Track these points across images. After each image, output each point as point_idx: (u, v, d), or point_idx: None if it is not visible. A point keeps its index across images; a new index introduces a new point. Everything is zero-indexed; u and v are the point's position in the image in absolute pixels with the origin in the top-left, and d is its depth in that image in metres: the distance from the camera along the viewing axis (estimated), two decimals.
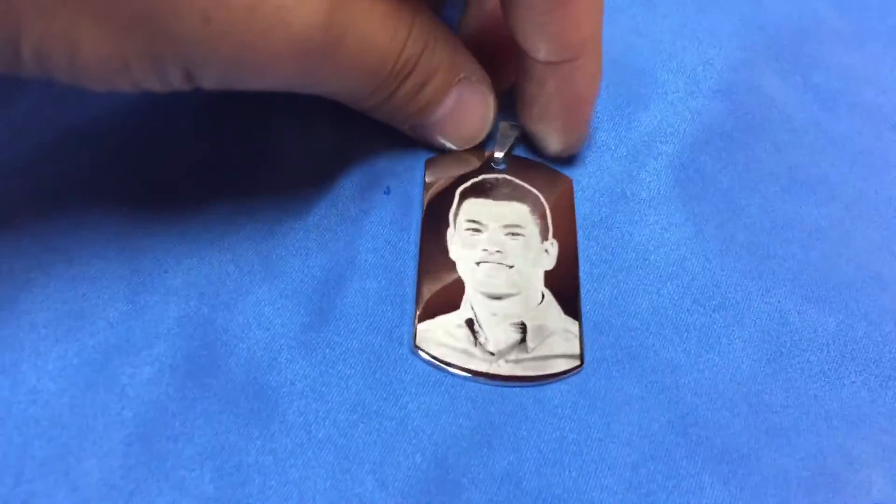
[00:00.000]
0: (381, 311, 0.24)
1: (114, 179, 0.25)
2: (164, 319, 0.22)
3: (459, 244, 0.25)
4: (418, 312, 0.23)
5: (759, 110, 0.29)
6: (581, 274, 0.25)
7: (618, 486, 0.21)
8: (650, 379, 0.23)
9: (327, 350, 0.23)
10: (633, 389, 0.23)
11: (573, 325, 0.24)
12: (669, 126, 0.28)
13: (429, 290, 0.24)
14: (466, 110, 0.25)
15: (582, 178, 0.27)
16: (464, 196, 0.26)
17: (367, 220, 0.25)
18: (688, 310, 0.25)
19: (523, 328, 0.23)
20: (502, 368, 0.23)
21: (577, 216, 0.26)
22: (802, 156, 0.29)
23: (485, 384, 0.23)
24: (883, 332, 0.24)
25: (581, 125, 0.26)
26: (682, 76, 0.30)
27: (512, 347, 0.23)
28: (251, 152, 0.26)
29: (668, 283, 0.25)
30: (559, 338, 0.23)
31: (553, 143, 0.27)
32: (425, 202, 0.26)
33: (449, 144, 0.26)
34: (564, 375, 0.23)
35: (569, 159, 0.27)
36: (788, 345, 0.24)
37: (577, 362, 0.23)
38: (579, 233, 0.26)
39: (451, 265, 0.24)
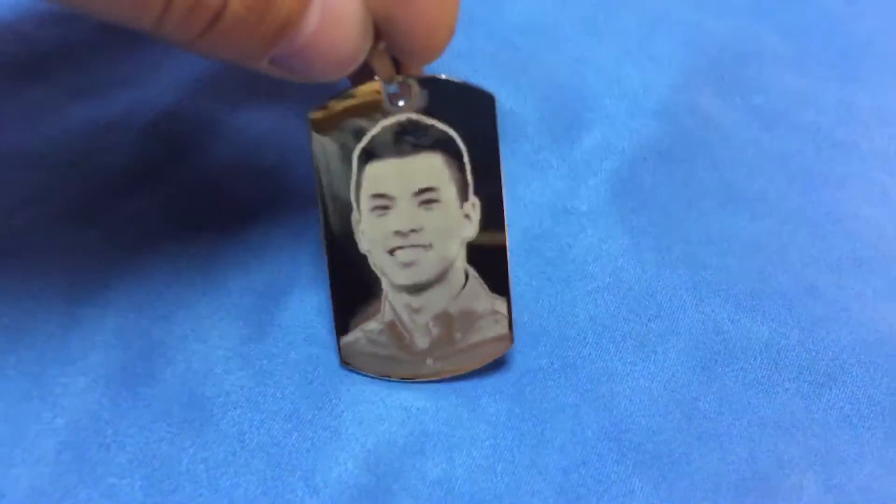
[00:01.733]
0: (320, 322, 0.24)
1: (60, 198, 0.26)
2: (101, 331, 0.23)
3: (369, 231, 0.22)
4: (336, 326, 0.23)
5: (698, 129, 0.30)
6: (519, 285, 0.25)
7: (549, 490, 0.21)
8: (586, 387, 0.23)
9: (265, 361, 0.23)
10: (568, 398, 0.23)
11: (501, 305, 0.23)
12: (610, 145, 0.29)
13: (343, 300, 0.22)
14: (332, 31, 0.18)
15: (525, 195, 0.28)
16: (363, 160, 0.21)
17: (309, 233, 0.26)
18: (624, 319, 0.25)
19: (448, 319, 0.23)
20: (430, 368, 0.23)
21: (513, 228, 0.26)
22: (741, 172, 0.29)
23: (418, 386, 0.23)
24: (815, 340, 0.25)
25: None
26: (625, 100, 0.31)
27: (438, 343, 0.23)
28: (193, 171, 0.27)
29: (605, 294, 0.25)
30: (487, 321, 0.23)
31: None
32: (318, 181, 0.22)
33: (319, 77, 0.19)
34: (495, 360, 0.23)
35: (511, 180, 0.28)
36: (722, 353, 0.24)
37: (507, 343, 0.23)
38: (514, 246, 0.26)
39: (363, 261, 0.22)
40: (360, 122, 0.21)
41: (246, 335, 0.23)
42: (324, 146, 0.21)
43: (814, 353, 0.25)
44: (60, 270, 0.24)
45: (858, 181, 0.30)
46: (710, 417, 0.23)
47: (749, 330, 0.25)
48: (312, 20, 0.18)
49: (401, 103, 0.21)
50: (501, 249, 0.22)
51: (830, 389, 0.24)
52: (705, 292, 0.26)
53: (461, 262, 0.22)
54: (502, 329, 0.23)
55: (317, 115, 0.21)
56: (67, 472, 0.20)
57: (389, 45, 0.19)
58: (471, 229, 0.22)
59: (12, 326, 0.23)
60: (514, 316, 0.23)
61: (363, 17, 0.18)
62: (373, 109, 0.21)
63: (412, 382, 0.23)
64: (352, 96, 0.21)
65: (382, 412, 0.22)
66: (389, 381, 0.23)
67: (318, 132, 0.21)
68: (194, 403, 0.22)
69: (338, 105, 0.21)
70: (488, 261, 0.22)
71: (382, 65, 0.20)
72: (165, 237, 0.25)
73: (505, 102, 0.30)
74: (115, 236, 0.25)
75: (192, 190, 0.26)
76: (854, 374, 0.24)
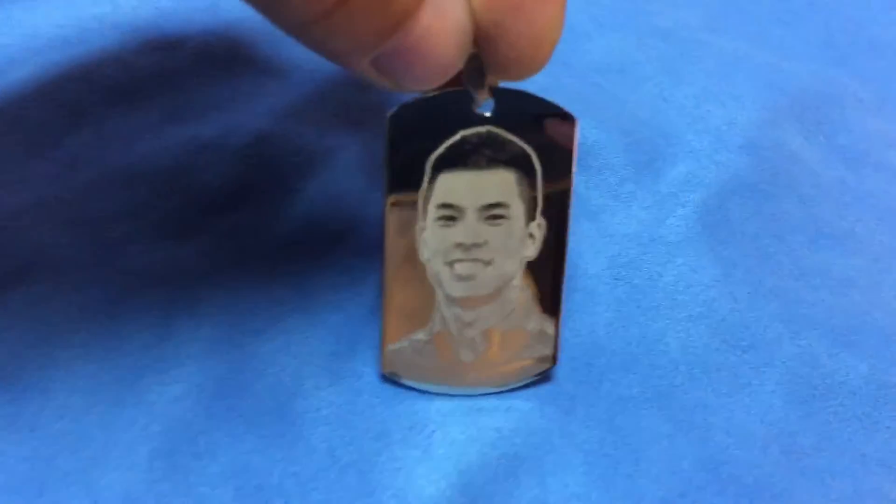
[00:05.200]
0: None
1: (155, 214, 0.26)
2: (196, 342, 0.23)
3: (431, 240, 0.21)
4: (384, 333, 0.22)
5: (784, 165, 0.30)
6: (608, 313, 0.25)
7: None
8: (679, 417, 0.23)
9: (353, 379, 0.23)
10: (662, 427, 0.23)
11: (550, 326, 0.22)
12: (695, 178, 0.29)
13: (395, 308, 0.22)
14: (438, 36, 0.18)
15: (609, 225, 0.28)
16: (437, 168, 0.21)
17: None
18: (717, 350, 0.24)
19: (497, 336, 0.22)
20: (472, 381, 0.23)
21: (599, 257, 0.26)
22: (828, 210, 0.29)
23: (508, 408, 0.22)
24: None
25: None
26: (708, 135, 0.31)
27: (483, 358, 0.23)
28: (285, 193, 0.27)
29: (697, 324, 0.25)
30: (534, 340, 0.23)
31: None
32: (386, 184, 0.21)
33: (416, 82, 0.19)
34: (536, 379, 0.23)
35: (594, 210, 0.28)
36: (821, 388, 0.24)
37: (550, 363, 0.23)
38: (600, 272, 0.26)
39: (422, 271, 0.22)
40: (439, 129, 0.21)
41: (335, 352, 0.23)
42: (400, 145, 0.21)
43: None
44: (155, 283, 0.24)
45: None
46: (809, 453, 0.22)
47: (848, 365, 0.24)
48: (426, 17, 0.17)
49: (486, 114, 0.21)
50: (559, 267, 0.22)
51: None
52: (800, 325, 0.25)
53: (518, 281, 0.22)
54: (547, 350, 0.23)
55: (397, 114, 0.21)
56: (160, 480, 0.20)
57: (486, 56, 0.19)
58: (533, 249, 0.22)
59: (108, 335, 0.23)
60: (594, 339, 0.23)
61: (469, 24, 0.18)
62: (454, 117, 0.21)
63: (453, 395, 0.23)
64: (434, 101, 0.20)
65: (474, 433, 0.22)
66: (428, 392, 0.23)
67: (394, 130, 0.21)
68: (284, 418, 0.22)
69: (419, 107, 0.20)
70: (543, 276, 0.22)
71: (473, 73, 0.20)
72: (257, 255, 0.25)
73: (587, 135, 0.30)
74: (208, 253, 0.25)
75: (284, 211, 0.27)
76: None
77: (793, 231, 0.28)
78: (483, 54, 0.19)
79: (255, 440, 0.21)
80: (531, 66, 0.20)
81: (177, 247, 0.25)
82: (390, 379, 0.23)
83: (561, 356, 0.23)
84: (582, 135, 0.28)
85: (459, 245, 0.21)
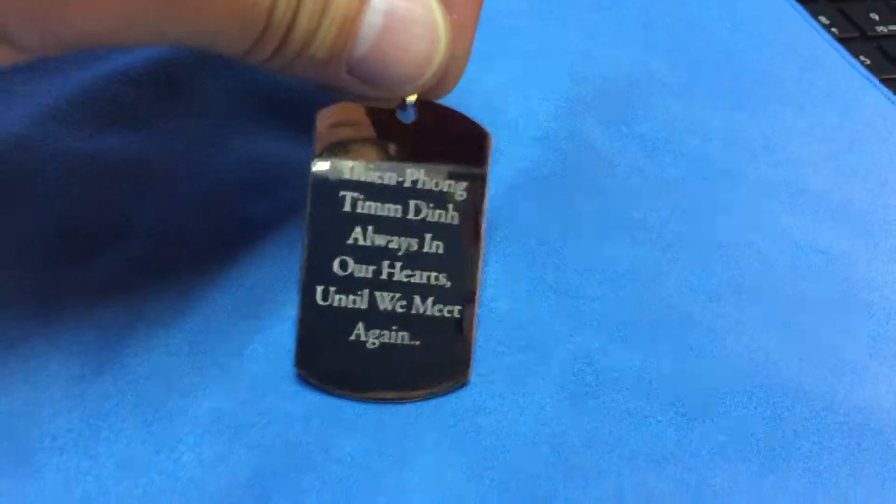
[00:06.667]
0: (164, 362, 0.22)
1: None
2: None
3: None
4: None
5: (579, 157, 0.30)
6: None
7: None
8: (448, 423, 0.22)
9: (99, 402, 0.21)
10: (430, 435, 0.22)
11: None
12: None
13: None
14: (401, 32, 0.19)
15: None
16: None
17: (160, 266, 0.24)
18: (493, 351, 0.24)
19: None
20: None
21: None
22: (621, 200, 0.29)
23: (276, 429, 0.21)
24: (688, 370, 0.24)
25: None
26: (506, 129, 0.30)
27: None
28: (37, 197, 0.25)
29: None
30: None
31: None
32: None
33: (398, 83, 0.20)
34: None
35: None
36: (593, 384, 0.24)
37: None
38: None
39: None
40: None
41: (79, 375, 0.22)
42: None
43: (686, 384, 0.24)
44: None
45: (743, 208, 0.30)
46: (579, 451, 0.22)
47: (621, 360, 0.24)
48: (375, 19, 0.18)
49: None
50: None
51: (703, 421, 0.23)
52: (578, 322, 0.25)
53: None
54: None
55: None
56: None
57: None
58: None
59: None
60: None
61: (439, 15, 0.19)
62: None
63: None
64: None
65: (227, 451, 0.21)
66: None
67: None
68: (14, 450, 0.20)
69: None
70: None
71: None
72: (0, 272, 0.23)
73: None
74: None
75: (34, 223, 0.25)
76: (728, 404, 0.24)
77: (581, 224, 0.28)
78: None
79: None
80: (447, 88, 0.22)
81: None
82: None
83: None
84: None
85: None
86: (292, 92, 0.30)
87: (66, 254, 0.24)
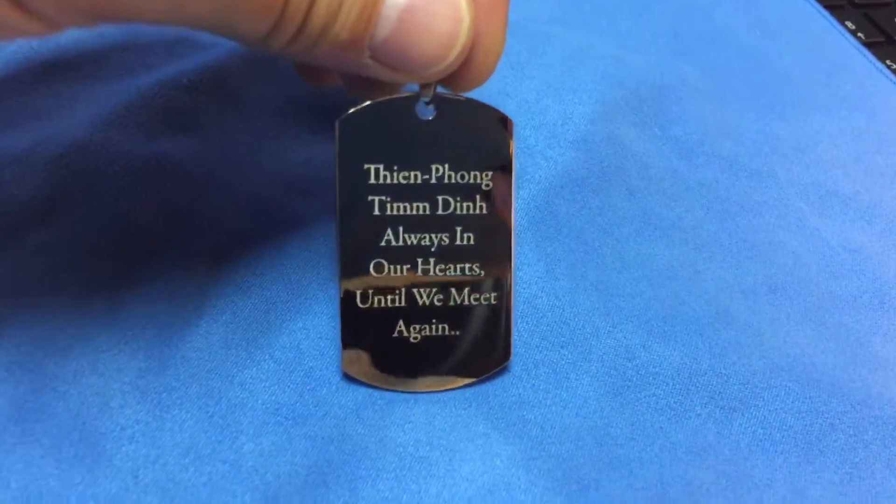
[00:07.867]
0: (223, 356, 0.23)
1: None
2: None
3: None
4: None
5: (615, 159, 0.30)
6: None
7: None
8: (497, 416, 0.23)
9: (164, 395, 0.22)
10: (479, 426, 0.23)
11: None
12: (525, 174, 0.29)
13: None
14: (423, 11, 0.18)
15: None
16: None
17: (220, 269, 0.25)
18: (537, 347, 0.25)
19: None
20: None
21: None
22: (657, 201, 0.30)
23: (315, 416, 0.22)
24: (727, 365, 0.25)
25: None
26: (543, 131, 0.31)
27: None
28: (101, 204, 0.26)
29: (518, 321, 0.25)
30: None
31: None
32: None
33: (422, 66, 0.19)
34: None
35: None
36: (634, 379, 0.24)
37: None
38: None
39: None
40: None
41: (144, 368, 0.23)
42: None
43: (725, 378, 0.25)
44: None
45: (775, 209, 0.31)
46: (621, 443, 0.23)
47: (660, 355, 0.25)
48: (392, 14, 0.18)
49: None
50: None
51: (742, 414, 0.24)
52: (618, 318, 0.26)
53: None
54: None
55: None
56: None
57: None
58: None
59: None
60: None
61: (457, 8, 0.19)
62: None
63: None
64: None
65: (285, 443, 0.22)
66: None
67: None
68: (86, 439, 0.21)
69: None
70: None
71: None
72: (66, 268, 0.24)
73: None
74: (18, 269, 0.24)
75: (99, 223, 0.26)
76: (765, 398, 0.24)
77: (619, 224, 0.28)
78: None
79: (53, 464, 0.21)
80: (481, 77, 0.21)
81: None
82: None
83: None
84: None
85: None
86: (334, 98, 0.31)
87: (131, 252, 0.25)
